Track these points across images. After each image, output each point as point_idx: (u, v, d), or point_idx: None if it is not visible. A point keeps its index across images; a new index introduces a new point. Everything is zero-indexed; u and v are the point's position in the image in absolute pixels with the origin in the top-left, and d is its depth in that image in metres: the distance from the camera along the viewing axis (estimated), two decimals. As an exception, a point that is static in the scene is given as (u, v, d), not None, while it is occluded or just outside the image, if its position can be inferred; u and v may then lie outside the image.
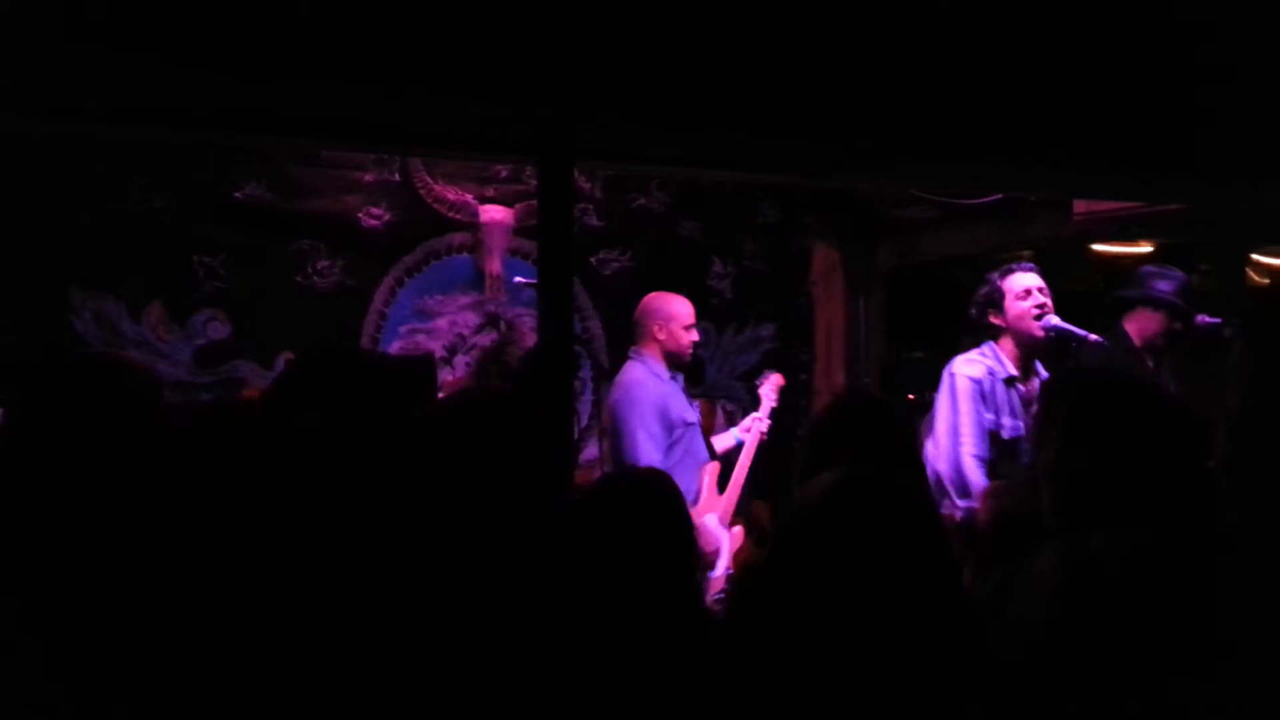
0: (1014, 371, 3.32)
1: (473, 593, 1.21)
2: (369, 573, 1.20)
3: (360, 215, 4.03)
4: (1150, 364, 3.49)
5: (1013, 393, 3.33)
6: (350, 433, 1.31)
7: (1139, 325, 3.50)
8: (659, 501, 1.77)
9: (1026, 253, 4.21)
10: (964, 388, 3.31)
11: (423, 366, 2.76)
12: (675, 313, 3.68)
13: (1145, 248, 4.43)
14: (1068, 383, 1.68)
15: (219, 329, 3.87)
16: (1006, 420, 3.30)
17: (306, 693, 1.10)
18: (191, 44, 1.64)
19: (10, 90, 1.76)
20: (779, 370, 4.56)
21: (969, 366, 3.33)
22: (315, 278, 3.96)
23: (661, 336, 3.64)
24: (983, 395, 3.30)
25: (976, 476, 3.21)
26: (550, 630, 1.47)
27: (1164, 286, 3.50)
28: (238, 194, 3.85)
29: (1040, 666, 1.14)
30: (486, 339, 4.34)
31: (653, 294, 3.77)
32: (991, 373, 3.30)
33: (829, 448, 2.01)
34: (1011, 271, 3.35)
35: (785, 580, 1.30)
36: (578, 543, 1.75)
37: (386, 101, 1.79)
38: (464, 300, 4.26)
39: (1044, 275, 3.37)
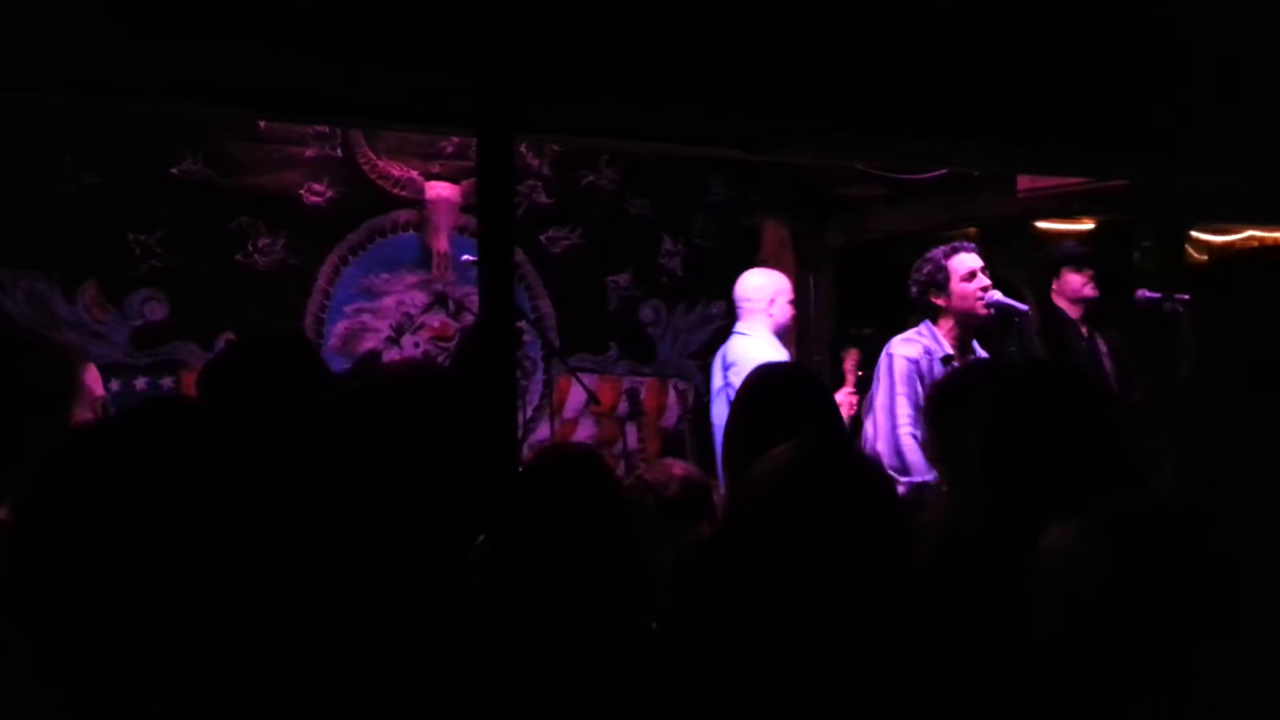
0: (951, 350, 3.35)
1: (408, 567, 1.18)
2: (308, 548, 1.17)
3: (302, 192, 3.95)
4: (1085, 331, 3.56)
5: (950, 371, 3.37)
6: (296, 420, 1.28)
7: (1066, 290, 3.65)
8: (588, 479, 1.76)
9: (971, 230, 4.25)
10: (901, 368, 3.35)
11: (295, 342, 2.70)
12: (783, 288, 3.92)
13: (1087, 225, 4.49)
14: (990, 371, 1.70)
15: (157, 309, 3.78)
16: None
17: (252, 669, 1.08)
18: (123, 10, 1.58)
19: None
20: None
21: (906, 347, 3.36)
22: (256, 256, 3.88)
23: (773, 312, 3.85)
24: (920, 375, 3.34)
25: (915, 456, 3.24)
26: (493, 605, 1.45)
27: (1071, 245, 3.67)
28: (174, 170, 3.75)
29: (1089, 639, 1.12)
30: (435, 319, 4.29)
31: (753, 270, 4.03)
32: (929, 352, 3.33)
33: (755, 421, 2.02)
34: (956, 252, 3.37)
35: (749, 555, 1.29)
36: (516, 519, 1.73)
37: (324, 70, 1.74)
38: (411, 279, 4.20)
39: (989, 252, 3.44)
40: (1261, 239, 4.71)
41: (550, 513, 1.66)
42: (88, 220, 3.63)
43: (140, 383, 3.75)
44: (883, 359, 3.41)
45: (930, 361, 3.32)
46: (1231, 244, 4.83)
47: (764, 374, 2.19)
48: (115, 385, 3.59)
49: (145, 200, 3.71)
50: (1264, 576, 0.95)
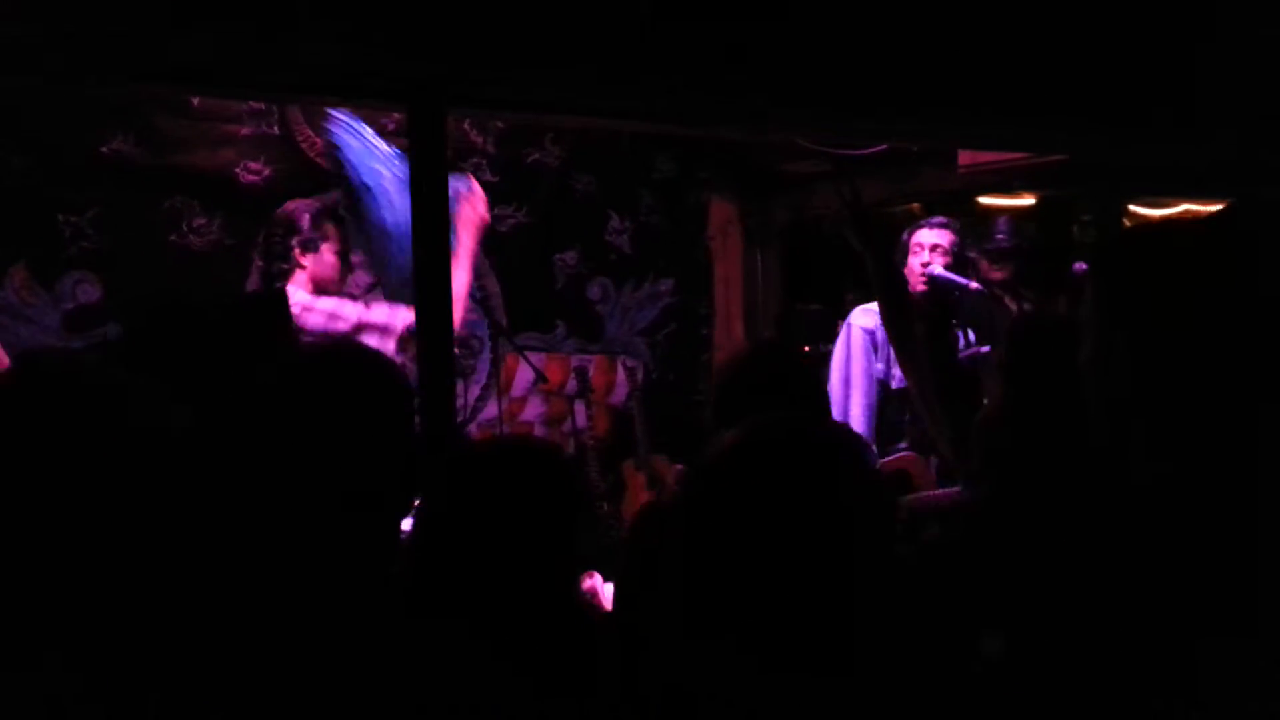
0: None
1: (327, 544, 1.17)
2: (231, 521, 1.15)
3: (238, 170, 3.86)
4: (1015, 307, 3.64)
5: None
6: (202, 386, 1.25)
7: (980, 271, 3.73)
8: (538, 464, 1.74)
9: (914, 206, 4.29)
10: (857, 338, 3.43)
11: (274, 302, 2.68)
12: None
13: (1027, 200, 4.55)
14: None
15: (89, 291, 3.69)
16: (898, 371, 3.38)
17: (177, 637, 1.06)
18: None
19: None
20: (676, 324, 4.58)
21: (864, 317, 3.43)
22: (191, 236, 3.79)
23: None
24: (874, 346, 3.40)
25: (862, 426, 3.29)
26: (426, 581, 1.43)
27: (997, 236, 3.72)
28: (104, 149, 3.65)
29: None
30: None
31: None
32: None
33: (738, 401, 2.01)
34: (920, 227, 3.46)
35: (689, 539, 1.27)
36: (465, 501, 1.72)
37: (254, 44, 1.70)
38: (353, 259, 4.13)
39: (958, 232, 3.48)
40: (1196, 213, 4.81)
41: (504, 489, 1.64)
42: (16, 202, 3.52)
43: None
44: (842, 329, 3.48)
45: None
46: (1168, 218, 4.93)
47: (747, 353, 2.19)
48: (47, 370, 3.49)
49: (75, 180, 3.61)
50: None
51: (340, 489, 1.19)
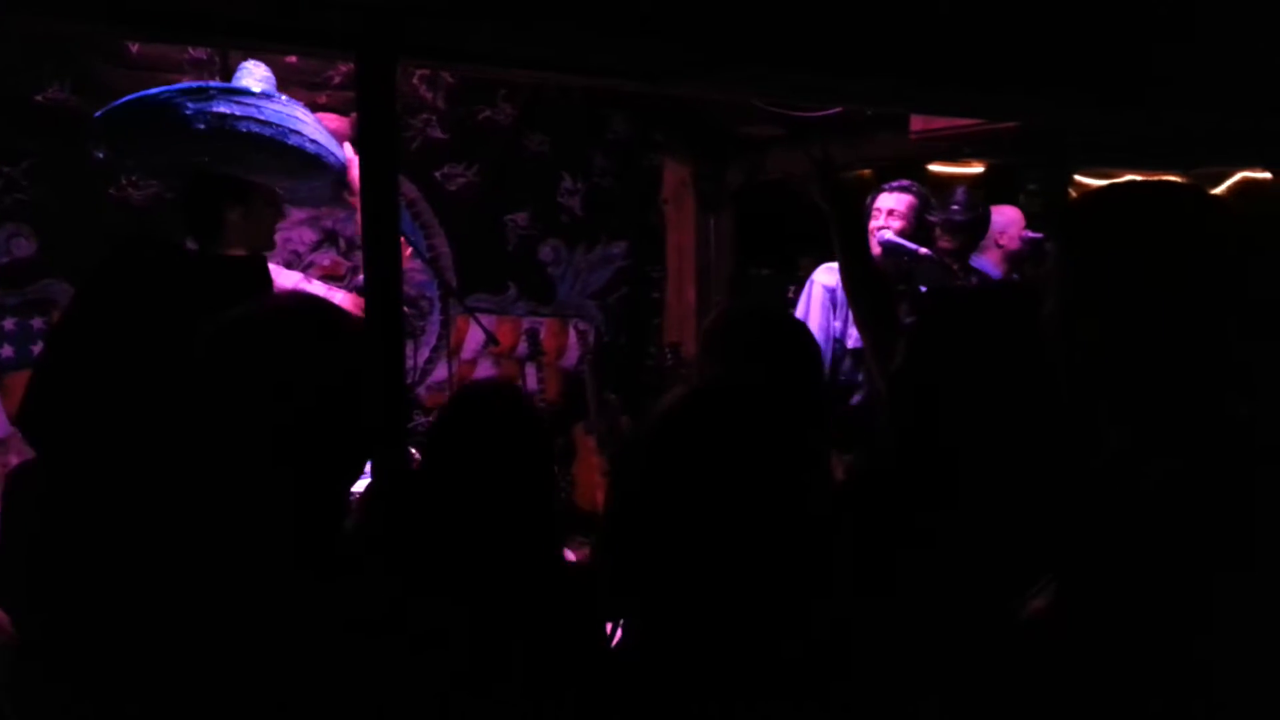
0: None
1: (288, 502, 1.15)
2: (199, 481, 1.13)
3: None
4: (957, 269, 3.70)
5: None
6: (175, 331, 1.22)
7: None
8: (507, 411, 1.72)
9: (865, 172, 4.30)
10: (816, 295, 3.50)
11: (253, 264, 2.62)
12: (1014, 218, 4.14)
13: (977, 168, 4.59)
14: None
15: (24, 245, 3.57)
16: (854, 330, 3.41)
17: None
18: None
19: None
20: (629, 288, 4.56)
21: (826, 275, 3.50)
22: (130, 189, 3.68)
23: (1004, 242, 4.06)
24: (834, 304, 3.46)
25: None
26: (391, 541, 1.42)
27: (953, 207, 3.78)
28: (39, 97, 3.52)
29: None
30: (325, 257, 4.15)
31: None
32: None
33: (720, 359, 2.01)
34: (881, 190, 3.49)
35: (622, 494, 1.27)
36: (432, 454, 1.70)
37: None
38: (298, 215, 4.04)
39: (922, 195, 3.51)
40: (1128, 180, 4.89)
41: (481, 445, 1.62)
42: (-57, 150, 3.39)
43: (8, 323, 3.55)
44: (805, 285, 3.56)
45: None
46: (1135, 180, 5.00)
47: (730, 312, 2.19)
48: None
49: (7, 129, 3.48)
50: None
51: (292, 444, 1.16)
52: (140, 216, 3.69)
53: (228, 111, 2.54)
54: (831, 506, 1.25)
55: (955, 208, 3.77)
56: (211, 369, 1.17)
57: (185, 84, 2.67)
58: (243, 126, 2.55)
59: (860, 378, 3.48)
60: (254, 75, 2.82)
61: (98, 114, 2.63)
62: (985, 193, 4.09)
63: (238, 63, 3.80)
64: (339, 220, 4.10)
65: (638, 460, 1.09)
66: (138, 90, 3.73)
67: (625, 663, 1.12)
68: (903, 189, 3.48)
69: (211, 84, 2.70)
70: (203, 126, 2.50)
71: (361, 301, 3.01)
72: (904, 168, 4.04)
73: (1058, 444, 1.32)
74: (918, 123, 3.71)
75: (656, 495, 1.05)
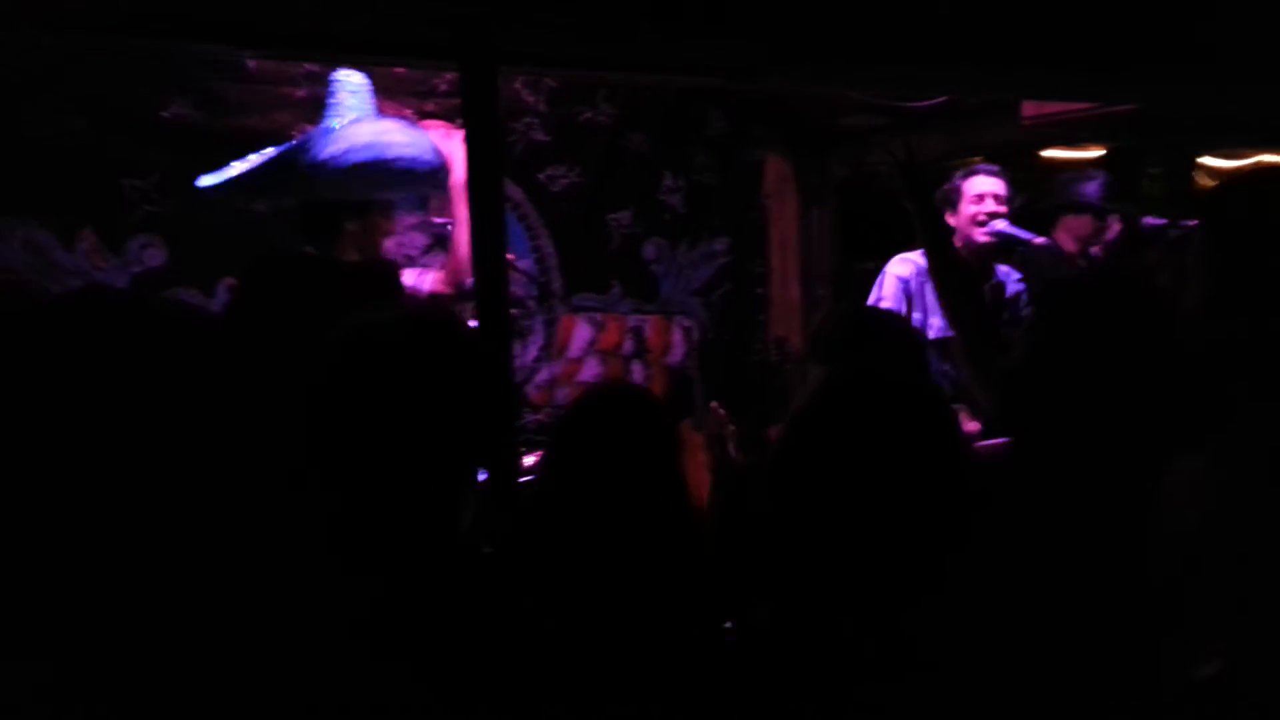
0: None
1: (392, 508, 1.18)
2: (286, 484, 1.17)
3: (294, 133, 3.88)
4: (1083, 265, 3.58)
5: None
6: (308, 339, 1.27)
7: (1069, 231, 3.61)
8: (635, 414, 1.75)
9: (975, 159, 4.18)
10: (889, 286, 3.44)
11: (385, 270, 2.73)
12: None
13: (1094, 152, 4.41)
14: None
15: (156, 255, 3.76)
16: (936, 320, 3.33)
17: (226, 608, 1.09)
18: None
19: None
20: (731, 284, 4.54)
21: (899, 266, 3.43)
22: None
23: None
24: (908, 295, 3.38)
25: None
26: (488, 556, 1.45)
27: (1086, 189, 3.61)
28: (165, 113, 3.70)
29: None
30: (436, 260, 4.26)
31: None
32: (921, 272, 3.33)
33: (830, 358, 2.02)
34: (974, 174, 3.39)
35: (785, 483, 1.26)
36: (553, 457, 1.73)
37: (299, 2, 1.70)
38: (410, 220, 4.16)
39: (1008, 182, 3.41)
40: (1270, 164, 4.62)
41: (616, 448, 1.65)
42: (80, 165, 3.58)
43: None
44: (879, 275, 3.53)
45: (920, 282, 3.34)
46: (1241, 170, 4.75)
47: (839, 313, 2.21)
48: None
49: (136, 144, 3.66)
50: None
51: (425, 444, 1.20)
52: (263, 226, 3.85)
53: (327, 158, 2.75)
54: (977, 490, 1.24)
55: (1090, 192, 3.63)
56: (351, 373, 1.22)
57: (281, 150, 2.89)
58: (344, 160, 2.74)
59: (946, 368, 3.39)
60: (347, 86, 2.97)
61: (207, 187, 2.88)
62: (1105, 177, 3.94)
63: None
64: (449, 224, 4.21)
65: (790, 461, 1.11)
66: (255, 103, 3.91)
67: (757, 655, 1.13)
68: (997, 173, 3.39)
69: (304, 138, 2.91)
70: (309, 171, 2.72)
71: (449, 278, 3.15)
72: (1014, 154, 3.92)
73: (1191, 443, 1.26)
74: (1030, 107, 3.60)
75: (815, 492, 1.07)
